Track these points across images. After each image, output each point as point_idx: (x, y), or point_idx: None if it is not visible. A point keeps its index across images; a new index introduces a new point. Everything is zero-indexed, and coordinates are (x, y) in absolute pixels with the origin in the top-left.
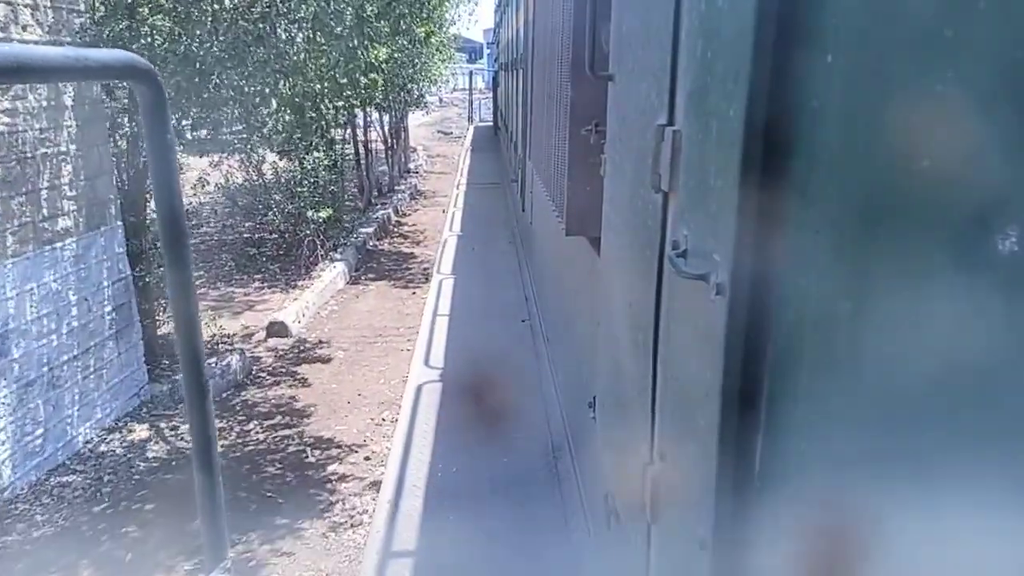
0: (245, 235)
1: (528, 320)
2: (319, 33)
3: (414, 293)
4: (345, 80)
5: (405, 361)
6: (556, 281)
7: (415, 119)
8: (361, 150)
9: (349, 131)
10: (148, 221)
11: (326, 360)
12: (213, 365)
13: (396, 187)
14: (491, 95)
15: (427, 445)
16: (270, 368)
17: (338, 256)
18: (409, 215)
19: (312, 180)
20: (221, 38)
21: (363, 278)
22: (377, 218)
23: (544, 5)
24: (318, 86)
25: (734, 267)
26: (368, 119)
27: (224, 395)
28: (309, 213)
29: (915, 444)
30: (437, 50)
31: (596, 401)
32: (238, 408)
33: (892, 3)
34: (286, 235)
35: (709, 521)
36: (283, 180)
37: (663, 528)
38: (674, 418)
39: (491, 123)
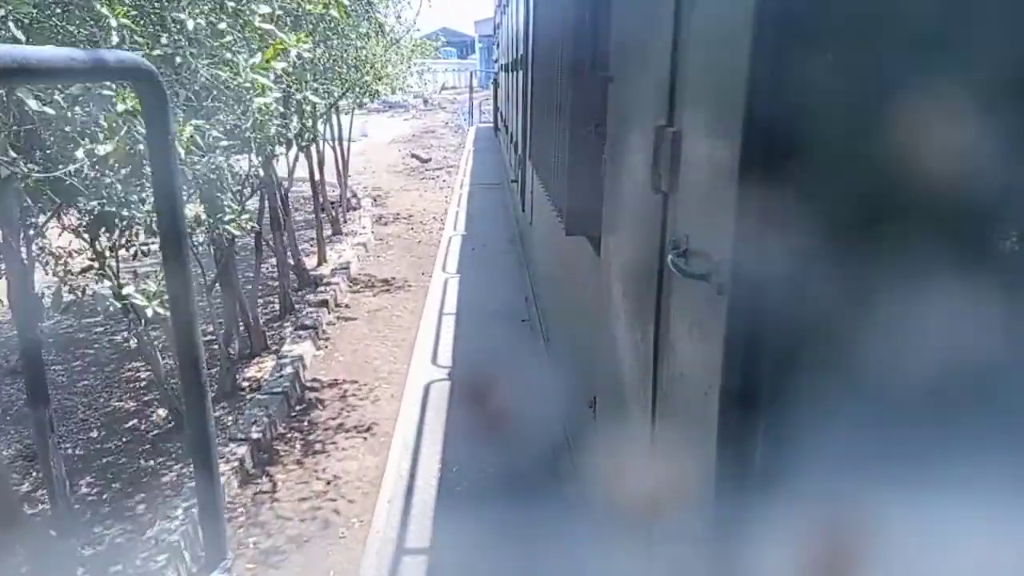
0: None
1: (528, 320)
2: None
3: None
4: None
5: None
6: (556, 281)
7: (386, 131)
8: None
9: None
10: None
11: None
12: None
13: (255, 374)
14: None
15: (412, 444)
16: None
17: None
18: None
19: None
20: None
21: None
22: None
23: (544, 6)
24: None
25: (735, 267)
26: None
27: None
28: None
29: (914, 442)
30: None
31: (596, 401)
32: None
33: (892, 3)
34: None
35: (709, 521)
36: None
37: (663, 528)
38: (674, 418)
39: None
